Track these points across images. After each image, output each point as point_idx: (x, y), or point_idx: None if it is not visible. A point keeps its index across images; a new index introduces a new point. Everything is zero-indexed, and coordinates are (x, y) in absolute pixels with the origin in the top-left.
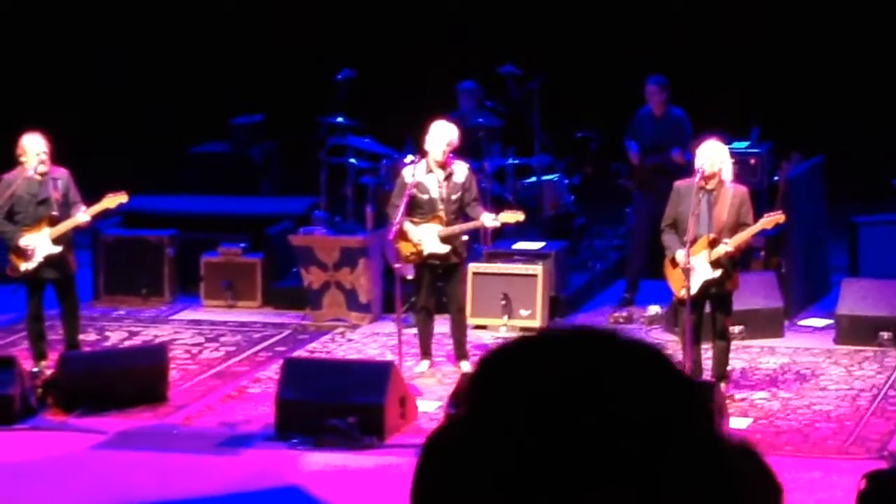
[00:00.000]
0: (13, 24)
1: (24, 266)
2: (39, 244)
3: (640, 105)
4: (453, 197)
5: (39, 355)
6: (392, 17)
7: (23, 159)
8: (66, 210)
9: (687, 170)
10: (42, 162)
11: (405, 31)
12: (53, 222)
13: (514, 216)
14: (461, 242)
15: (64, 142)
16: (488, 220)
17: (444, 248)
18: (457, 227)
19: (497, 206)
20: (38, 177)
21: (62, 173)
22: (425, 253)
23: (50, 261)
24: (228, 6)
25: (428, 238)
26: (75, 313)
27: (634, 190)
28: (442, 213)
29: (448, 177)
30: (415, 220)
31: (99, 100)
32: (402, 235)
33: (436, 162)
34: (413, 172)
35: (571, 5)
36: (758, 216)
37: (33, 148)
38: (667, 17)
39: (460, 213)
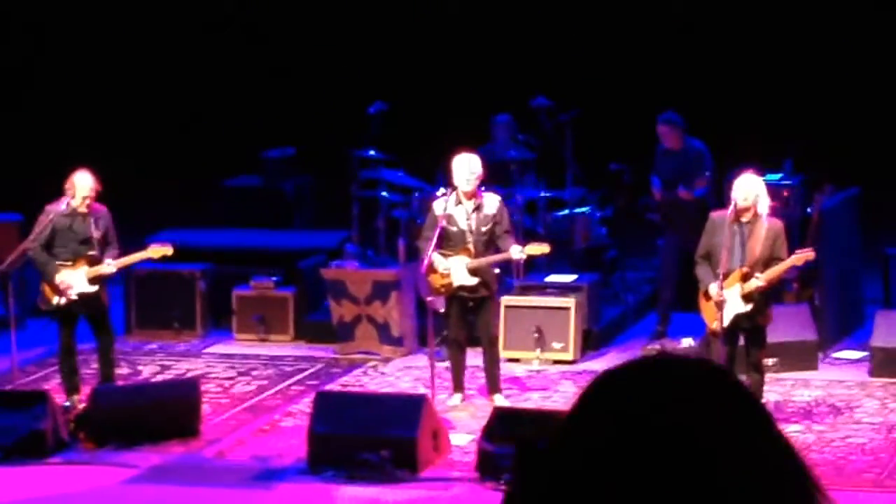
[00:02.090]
0: (45, 59)
1: (57, 300)
2: (76, 282)
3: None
4: (483, 229)
5: (72, 389)
6: (424, 50)
7: (69, 194)
8: (104, 249)
9: (710, 203)
10: (86, 200)
11: (437, 65)
12: (93, 262)
13: (539, 248)
14: (491, 275)
15: (96, 175)
16: (515, 252)
17: (473, 281)
18: (484, 260)
19: (528, 239)
20: (83, 213)
21: (103, 212)
22: (454, 285)
23: (83, 298)
24: (260, 40)
25: (457, 270)
26: (111, 348)
27: (662, 224)
28: (471, 246)
29: (477, 208)
30: (445, 252)
31: (131, 132)
32: (432, 268)
33: (464, 193)
34: (444, 205)
35: (604, 38)
36: (791, 249)
37: (81, 186)
38: (699, 50)
39: (491, 244)
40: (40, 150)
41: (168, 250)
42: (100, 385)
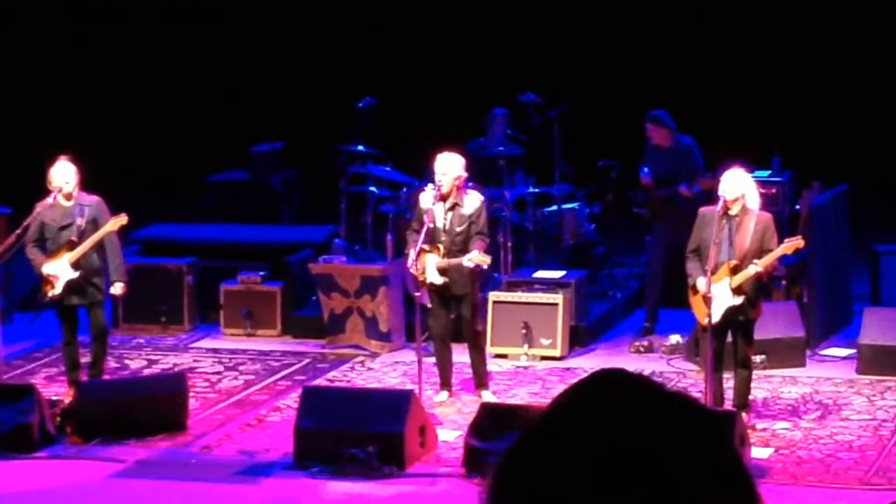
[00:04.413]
0: (38, 51)
1: (51, 292)
2: (60, 270)
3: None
4: (458, 228)
5: (72, 383)
6: (413, 45)
7: (51, 187)
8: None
9: (701, 200)
10: (64, 188)
11: (426, 60)
12: (72, 248)
13: (481, 259)
14: (464, 274)
15: (83, 169)
16: (465, 258)
17: (441, 279)
18: (444, 261)
19: (516, 236)
20: (66, 203)
21: (92, 200)
22: (427, 282)
23: (72, 286)
24: (249, 34)
25: (429, 268)
26: (101, 339)
27: (650, 218)
28: (441, 245)
29: (452, 207)
30: (424, 248)
31: (118, 127)
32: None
33: (441, 194)
34: (429, 199)
35: (593, 33)
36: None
37: (56, 176)
38: (688, 46)
39: (467, 244)
40: (28, 144)
41: (123, 219)
42: (89, 378)
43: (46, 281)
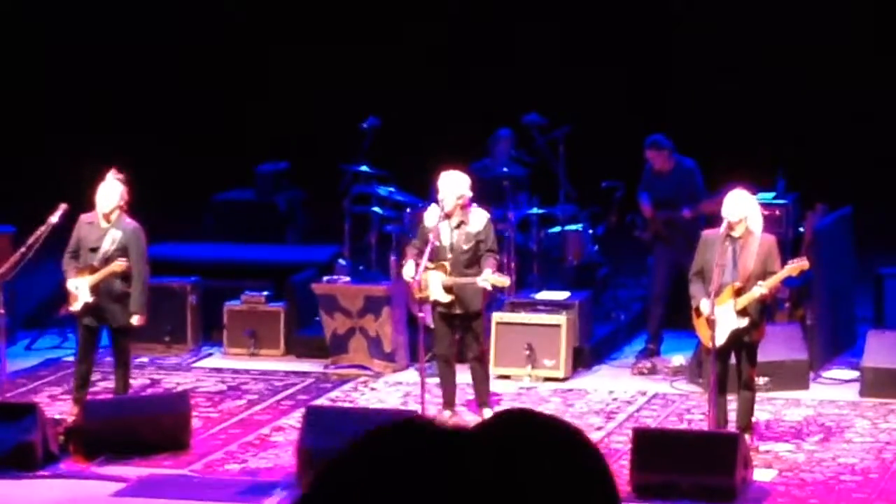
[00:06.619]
0: (36, 70)
1: (73, 307)
2: (80, 290)
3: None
4: (464, 247)
5: (77, 401)
6: (417, 65)
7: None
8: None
9: (702, 222)
10: (101, 208)
11: (430, 80)
12: (94, 272)
13: (501, 281)
14: (472, 293)
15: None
16: (480, 278)
17: (447, 298)
18: (450, 280)
19: (519, 256)
20: (104, 224)
21: (128, 227)
22: (430, 299)
23: (89, 308)
24: (254, 54)
25: (433, 286)
26: (121, 363)
27: (651, 242)
28: (447, 263)
29: (459, 225)
30: (428, 265)
31: (123, 145)
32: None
33: (445, 213)
34: (434, 218)
35: (596, 54)
36: (784, 265)
37: (98, 199)
38: (693, 68)
39: (474, 262)
40: (33, 162)
41: (122, 265)
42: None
43: (69, 295)
